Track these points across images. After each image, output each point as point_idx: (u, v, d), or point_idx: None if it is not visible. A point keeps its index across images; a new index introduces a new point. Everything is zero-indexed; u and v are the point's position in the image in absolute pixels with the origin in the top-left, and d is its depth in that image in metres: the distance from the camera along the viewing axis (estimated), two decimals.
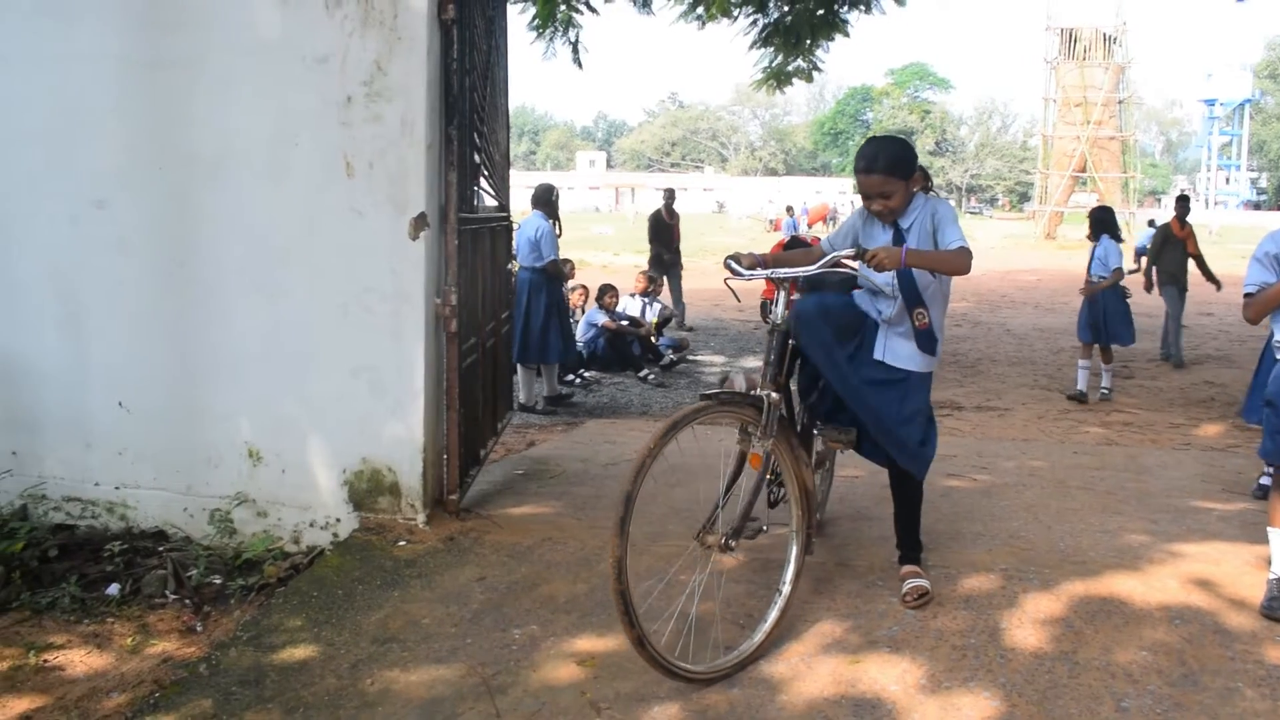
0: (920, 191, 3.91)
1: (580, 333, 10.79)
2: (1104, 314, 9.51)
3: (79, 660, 3.79)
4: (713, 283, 21.06)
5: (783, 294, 3.72)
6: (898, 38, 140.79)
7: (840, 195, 63.86)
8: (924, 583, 3.99)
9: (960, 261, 3.66)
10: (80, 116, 4.87)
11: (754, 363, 11.56)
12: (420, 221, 4.55)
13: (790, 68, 12.24)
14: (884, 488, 5.64)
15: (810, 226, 37.18)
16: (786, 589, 3.72)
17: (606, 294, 11.24)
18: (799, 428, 4.02)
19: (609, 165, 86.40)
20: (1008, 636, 3.69)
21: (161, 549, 4.62)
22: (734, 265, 3.84)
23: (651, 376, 10.59)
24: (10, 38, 4.89)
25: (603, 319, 10.97)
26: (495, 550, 4.52)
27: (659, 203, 15.51)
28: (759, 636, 3.58)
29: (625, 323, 11.15)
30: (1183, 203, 12.43)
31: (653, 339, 11.38)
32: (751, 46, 11.89)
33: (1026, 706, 3.22)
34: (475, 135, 5.16)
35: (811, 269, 3.73)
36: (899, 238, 3.82)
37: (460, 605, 3.94)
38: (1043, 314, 17.44)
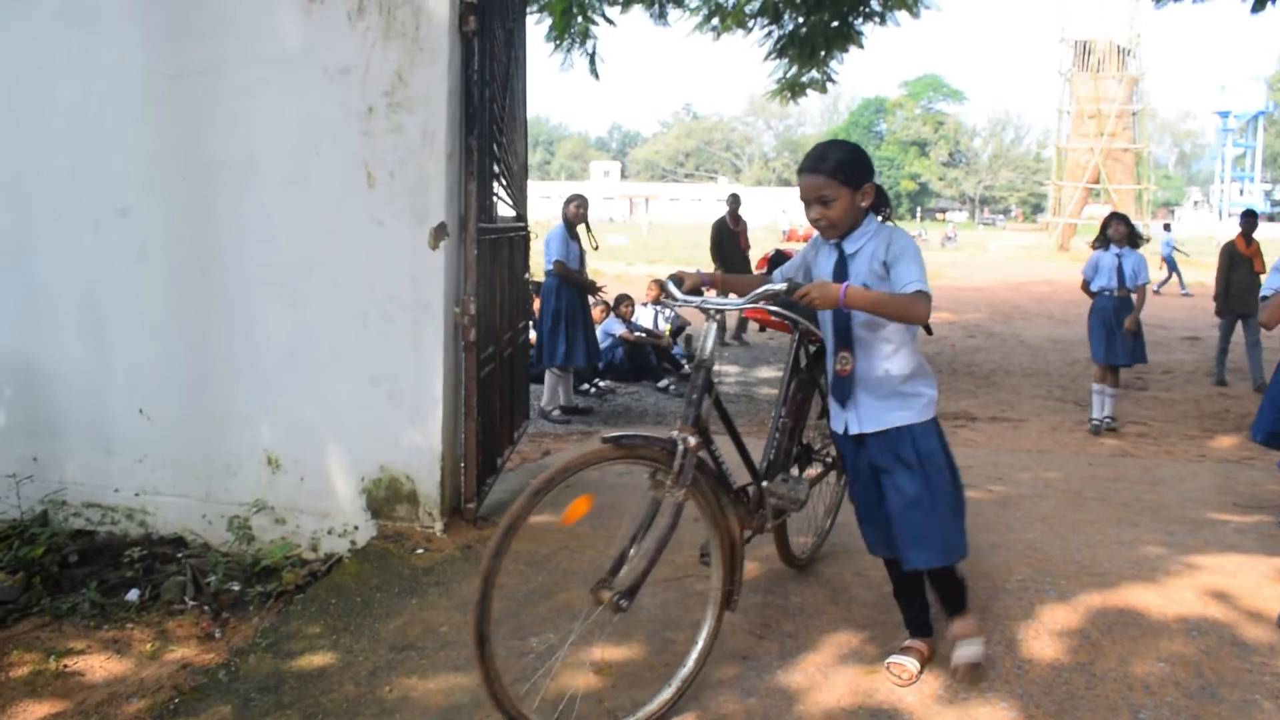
0: (875, 214, 3.34)
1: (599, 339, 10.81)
2: (1121, 331, 8.43)
3: (99, 665, 3.81)
4: None
5: (714, 326, 3.34)
6: (911, 49, 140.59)
7: None
8: (978, 650, 3.50)
9: (914, 309, 3.11)
10: (104, 125, 4.91)
11: (771, 373, 11.56)
12: (440, 231, 4.57)
13: (804, 78, 12.29)
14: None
15: None
16: (688, 668, 3.32)
17: (623, 304, 11.26)
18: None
19: (623, 175, 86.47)
20: (1024, 647, 3.69)
21: (180, 555, 4.65)
22: (670, 287, 3.45)
23: (671, 386, 10.59)
24: (36, 46, 4.95)
25: (620, 329, 10.98)
26: (512, 559, 4.51)
27: (722, 210, 14.59)
28: None
29: (642, 334, 11.15)
30: (1249, 218, 11.50)
31: (669, 348, 11.38)
32: (766, 58, 11.94)
33: (1044, 718, 3.22)
34: (495, 146, 5.19)
35: (740, 302, 3.34)
36: (842, 265, 3.29)
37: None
38: (1056, 325, 17.39)
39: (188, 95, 4.84)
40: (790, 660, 3.62)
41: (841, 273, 3.28)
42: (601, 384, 10.52)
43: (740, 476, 3.71)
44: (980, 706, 3.30)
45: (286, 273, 4.73)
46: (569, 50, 13.07)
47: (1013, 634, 3.80)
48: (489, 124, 5.03)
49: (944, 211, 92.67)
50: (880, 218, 3.35)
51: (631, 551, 3.13)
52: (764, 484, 3.78)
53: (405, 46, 4.61)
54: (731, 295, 3.49)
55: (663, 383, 10.69)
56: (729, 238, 14.21)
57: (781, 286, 3.19)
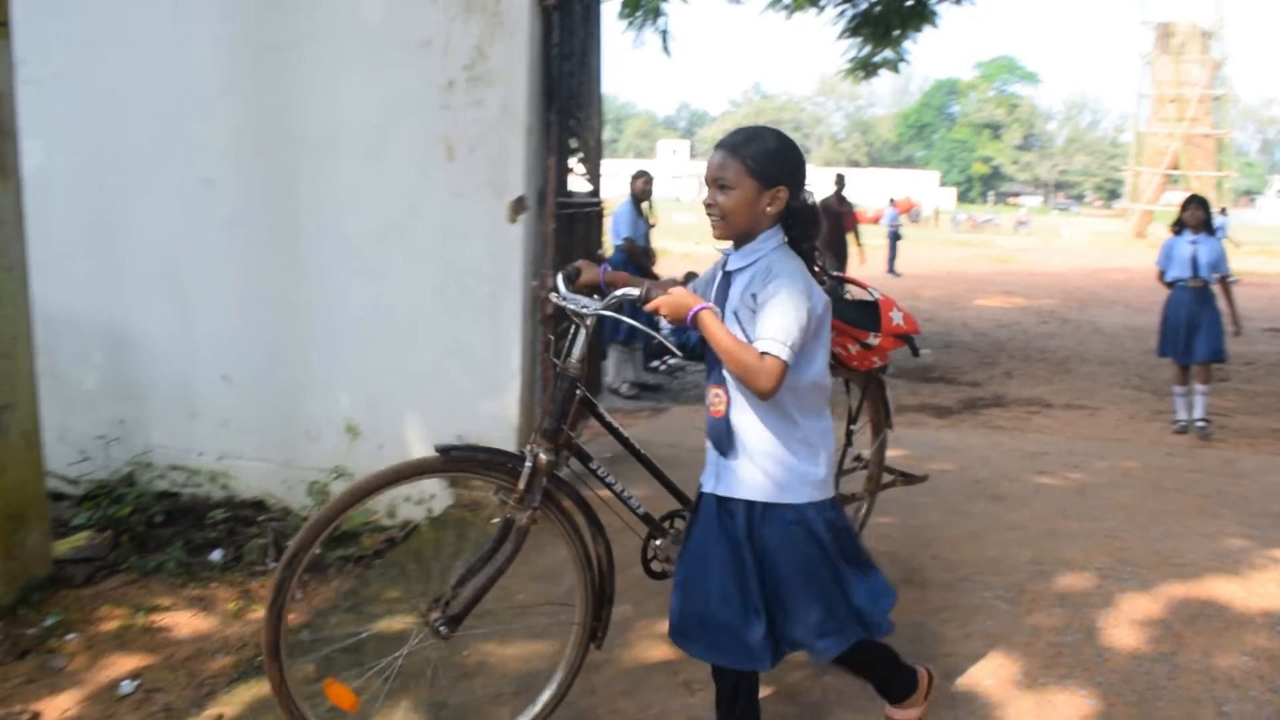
0: (782, 233, 2.60)
1: (665, 322, 10.78)
2: (1199, 325, 7.82)
3: (185, 622, 3.91)
4: None
5: (583, 332, 2.86)
6: (986, 30, 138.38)
7: (925, 189, 63.00)
8: None
9: (751, 374, 2.41)
10: (191, 97, 5.01)
11: None
12: (519, 204, 4.60)
13: (877, 58, 12.15)
14: (975, 483, 5.64)
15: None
16: (534, 711, 3.01)
17: (688, 280, 11.22)
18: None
19: (692, 155, 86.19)
20: (1104, 636, 3.65)
21: (261, 518, 4.74)
22: (558, 282, 3.00)
23: None
24: (125, 20, 5.06)
25: None
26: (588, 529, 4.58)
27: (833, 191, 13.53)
28: None
29: None
30: None
31: None
32: (840, 36, 11.82)
33: (1125, 708, 3.18)
34: (572, 121, 5.20)
35: (596, 306, 2.83)
36: (725, 283, 2.65)
37: (553, 582, 3.98)
38: (1134, 313, 17.05)
39: (272, 68, 4.92)
40: None
41: (723, 292, 2.64)
42: (671, 361, 10.51)
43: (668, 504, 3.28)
44: (1059, 693, 3.27)
45: (367, 244, 4.79)
46: (641, 27, 13.05)
47: (1092, 621, 3.76)
48: (567, 99, 5.04)
49: (1016, 195, 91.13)
50: (784, 238, 2.60)
51: (468, 577, 2.85)
52: (655, 541, 3.26)
53: (486, 20, 4.64)
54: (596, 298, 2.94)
55: None
56: (833, 221, 13.04)
57: (635, 292, 2.73)
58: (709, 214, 2.61)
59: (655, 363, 10.22)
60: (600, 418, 3.08)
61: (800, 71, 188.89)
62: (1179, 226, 8.00)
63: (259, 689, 3.28)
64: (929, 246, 31.55)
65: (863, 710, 3.18)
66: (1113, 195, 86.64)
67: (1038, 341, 13.05)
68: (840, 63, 12.41)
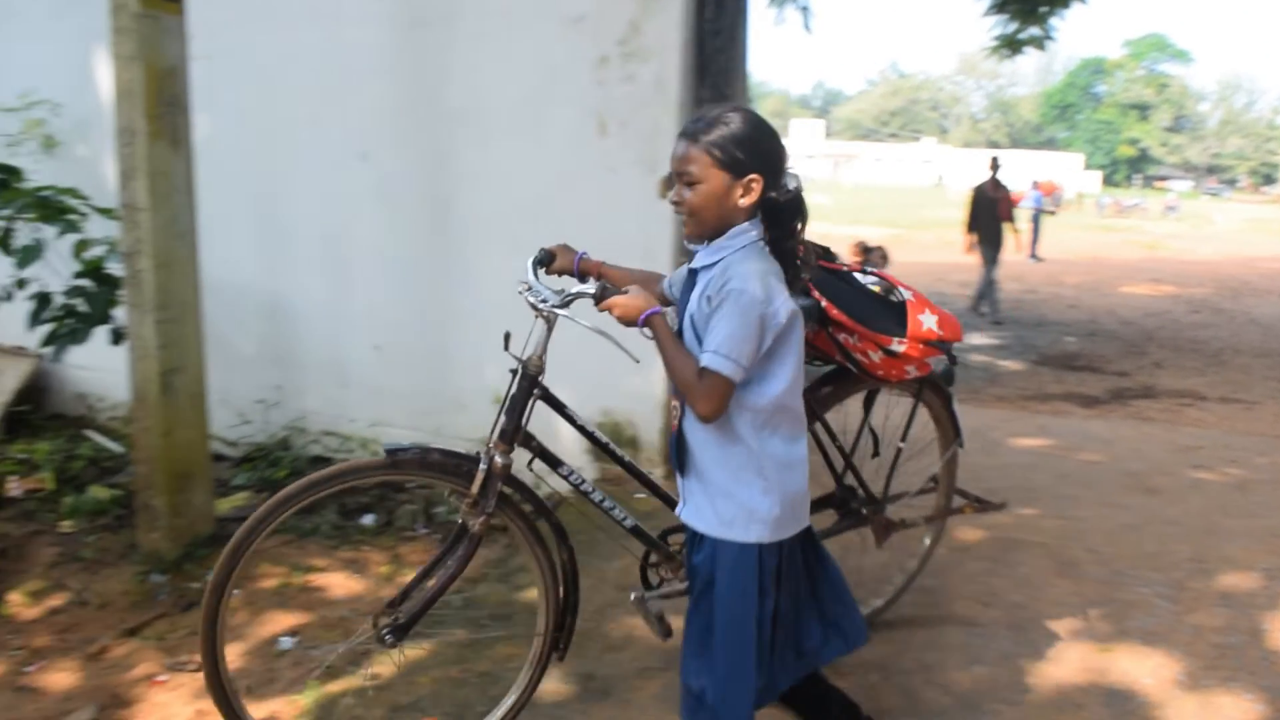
0: (759, 228, 2.31)
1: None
2: None
3: (338, 583, 4.03)
4: (931, 256, 20.62)
5: (541, 324, 2.70)
6: (1136, 7, 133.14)
7: (1068, 172, 61.02)
8: None
9: (691, 390, 2.22)
10: (348, 72, 5.14)
11: (979, 339, 11.24)
12: (669, 181, 4.59)
13: (1023, 35, 11.77)
14: (1129, 475, 5.45)
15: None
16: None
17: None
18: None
19: (827, 134, 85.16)
20: (1271, 638, 3.50)
21: (411, 485, 4.85)
22: (529, 269, 2.82)
23: None
24: None
25: None
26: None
27: (983, 175, 13.06)
28: None
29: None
30: None
31: None
32: (986, 13, 11.51)
33: None
34: (723, 97, 5.17)
35: (555, 300, 2.67)
36: (690, 284, 2.40)
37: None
38: None
39: (426, 44, 5.01)
40: (1018, 631, 3.54)
41: (689, 293, 2.39)
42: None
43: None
44: (1222, 695, 3.15)
45: (517, 219, 4.84)
46: (782, 4, 12.91)
47: (1257, 623, 3.61)
48: (718, 75, 5.01)
49: (1164, 179, 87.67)
50: (759, 234, 2.30)
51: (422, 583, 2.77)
52: (651, 560, 3.06)
53: None
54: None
55: None
56: (987, 207, 12.81)
57: (591, 289, 2.52)
58: (676, 212, 2.36)
59: None
60: (571, 419, 2.90)
61: (939, 49, 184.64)
62: None
63: (412, 652, 3.37)
64: (1072, 231, 30.57)
65: None
66: (1268, 180, 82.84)
67: (1189, 331, 12.55)
68: (984, 40, 12.08)
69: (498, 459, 2.69)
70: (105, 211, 4.55)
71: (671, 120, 4.57)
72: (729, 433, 2.31)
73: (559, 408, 2.86)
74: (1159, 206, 51.88)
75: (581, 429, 2.90)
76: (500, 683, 3.13)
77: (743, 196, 2.25)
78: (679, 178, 2.31)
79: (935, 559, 4.03)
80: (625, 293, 2.44)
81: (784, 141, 2.32)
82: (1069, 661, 3.34)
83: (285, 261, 5.33)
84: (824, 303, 2.96)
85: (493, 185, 4.90)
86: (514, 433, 2.72)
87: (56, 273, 4.49)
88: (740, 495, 2.31)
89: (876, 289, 3.09)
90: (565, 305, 2.63)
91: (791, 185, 2.31)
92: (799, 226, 2.34)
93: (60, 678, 3.38)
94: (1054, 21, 11.50)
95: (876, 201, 43.61)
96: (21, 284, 4.50)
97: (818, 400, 3.28)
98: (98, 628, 3.75)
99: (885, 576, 3.70)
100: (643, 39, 4.63)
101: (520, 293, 2.67)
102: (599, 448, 2.95)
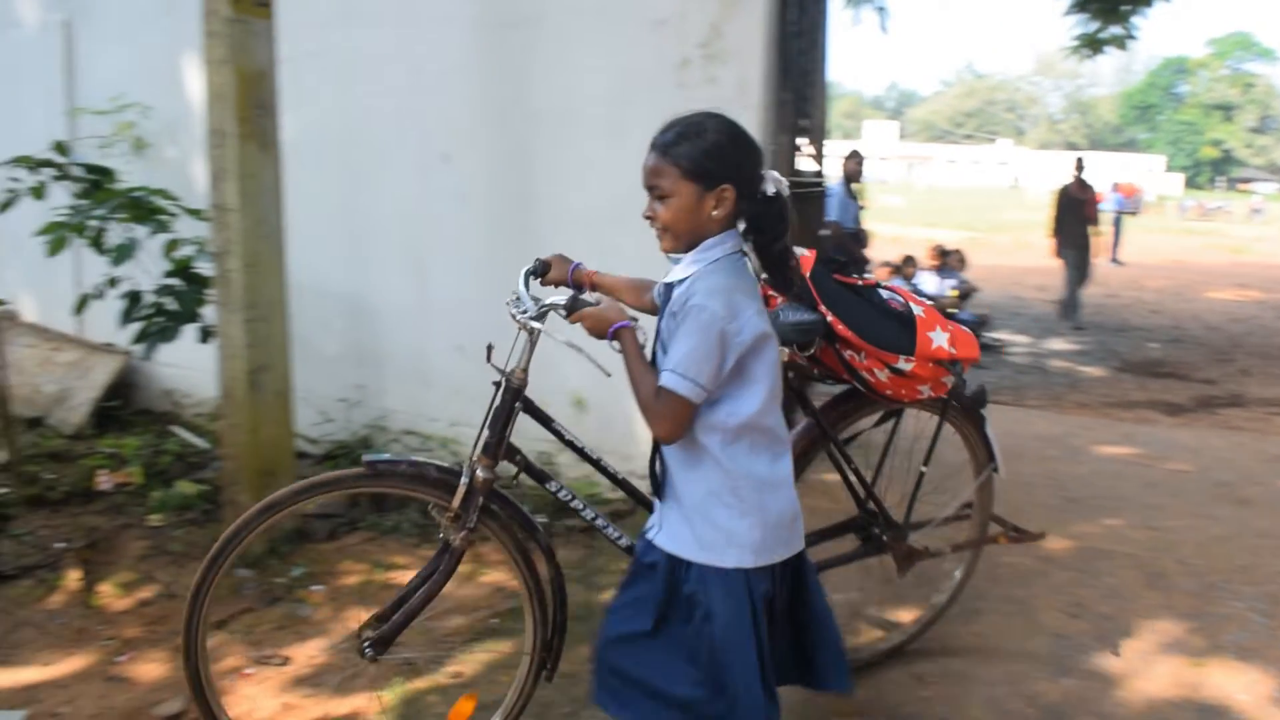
0: (737, 236, 2.29)
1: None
2: None
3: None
4: (1008, 259, 20.34)
5: (524, 337, 2.64)
6: (1220, 4, 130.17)
7: (1148, 174, 59.75)
8: None
9: (644, 409, 2.22)
10: (430, 74, 5.19)
11: (1059, 345, 11.05)
12: None
13: (1105, 35, 11.61)
14: (1218, 485, 5.32)
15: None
16: None
17: (907, 265, 11.01)
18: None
19: (901, 136, 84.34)
20: None
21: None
22: (520, 282, 2.75)
23: None
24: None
25: None
26: (811, 515, 4.56)
27: (1065, 176, 12.81)
28: None
29: (926, 300, 10.79)
30: None
31: (953, 314, 10.97)
32: (1067, 12, 11.38)
33: None
34: (802, 100, 5.14)
35: (532, 310, 2.60)
36: (666, 297, 2.35)
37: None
38: None
39: (508, 45, 5.04)
40: (1107, 644, 3.47)
41: (664, 303, 2.35)
42: None
43: None
44: None
45: (599, 221, 4.84)
46: (859, 5, 12.85)
47: None
48: (799, 77, 4.99)
49: (1249, 181, 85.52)
50: (735, 245, 2.27)
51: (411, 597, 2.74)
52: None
53: None
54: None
55: None
56: (1073, 208, 12.50)
57: (562, 300, 2.50)
58: (651, 226, 2.30)
59: None
60: (559, 434, 2.84)
61: (1016, 49, 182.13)
62: None
63: (495, 650, 3.39)
64: (1154, 235, 29.96)
65: None
66: None
67: (1278, 338, 12.24)
68: (1063, 40, 11.92)
69: (480, 473, 2.63)
70: (194, 212, 4.64)
71: (754, 123, 4.55)
72: (702, 454, 2.26)
73: (545, 421, 2.80)
74: (1244, 209, 50.63)
75: (570, 444, 2.84)
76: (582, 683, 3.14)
77: (715, 208, 2.21)
78: (649, 191, 2.27)
79: (1020, 568, 3.98)
80: (596, 304, 2.40)
81: (757, 145, 2.30)
82: (1160, 676, 3.27)
83: (368, 262, 5.40)
84: (830, 317, 2.84)
85: (574, 187, 4.92)
86: (497, 447, 2.67)
87: (147, 272, 4.59)
88: (717, 518, 2.26)
89: (896, 305, 2.94)
90: (540, 317, 2.57)
91: (771, 190, 2.26)
92: (783, 230, 2.28)
93: (150, 668, 3.46)
94: (1136, 20, 11.33)
95: (951, 204, 43.09)
96: (113, 282, 4.60)
97: (830, 421, 3.16)
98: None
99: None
100: (724, 42, 4.61)
101: (506, 303, 2.63)
102: (592, 465, 2.86)
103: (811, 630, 2.42)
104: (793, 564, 2.34)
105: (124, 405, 6.23)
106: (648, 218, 2.29)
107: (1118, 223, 22.32)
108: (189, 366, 5.80)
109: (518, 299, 2.63)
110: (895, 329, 2.87)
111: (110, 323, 4.72)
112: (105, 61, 6.32)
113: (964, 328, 2.99)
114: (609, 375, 2.41)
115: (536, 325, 2.57)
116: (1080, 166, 12.72)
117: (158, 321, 4.56)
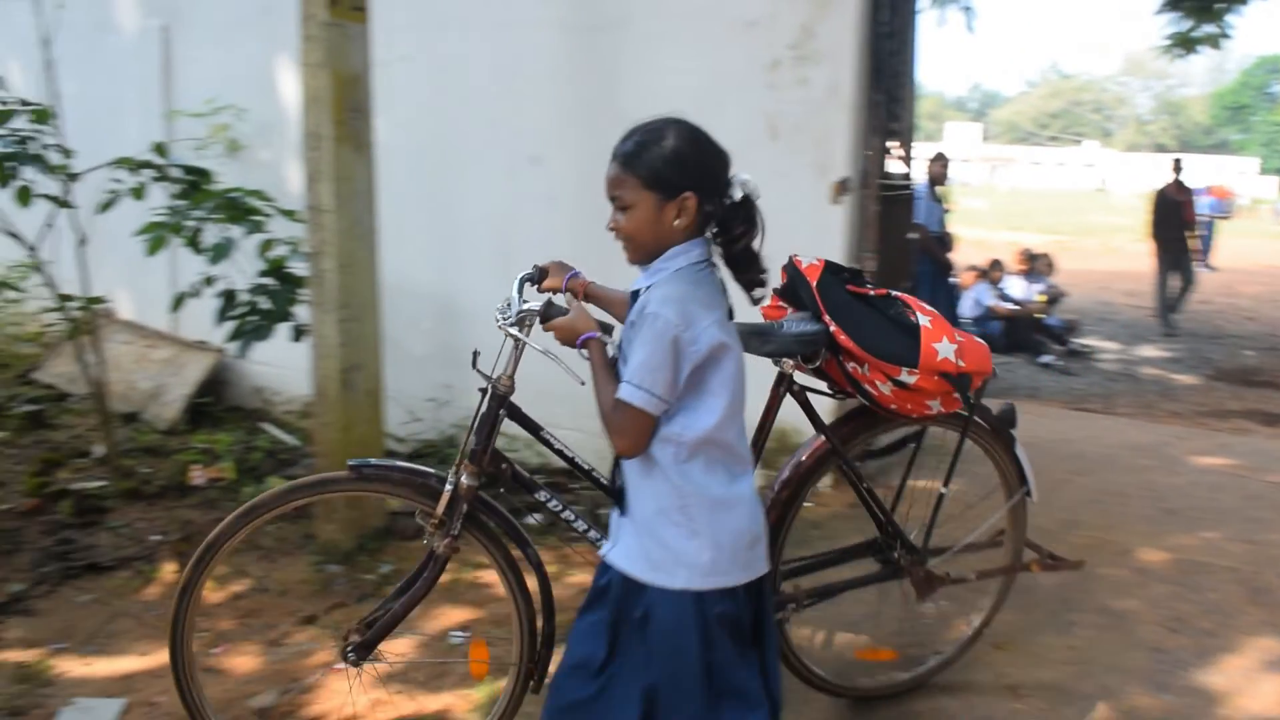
0: (705, 244, 2.24)
1: (968, 309, 10.42)
2: None
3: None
4: (1096, 264, 19.92)
5: (509, 346, 2.63)
6: None
7: (1241, 176, 58.13)
8: None
9: (603, 421, 2.22)
10: (519, 77, 5.23)
11: (1150, 351, 10.79)
12: (843, 185, 4.53)
13: (1198, 33, 11.34)
14: None
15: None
16: None
17: (994, 269, 10.83)
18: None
19: (984, 137, 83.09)
20: None
21: (575, 486, 4.89)
22: (513, 290, 2.67)
23: (1056, 362, 10.01)
24: (464, 4, 5.32)
25: (990, 298, 10.54)
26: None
27: (1163, 178, 12.58)
28: None
29: (1014, 305, 10.62)
30: None
31: (1041, 319, 10.75)
32: (1159, 11, 11.15)
33: None
34: (894, 101, 5.08)
35: (510, 319, 2.57)
36: (630, 306, 2.27)
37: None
38: None
39: (597, 48, 5.05)
40: (1208, 660, 3.38)
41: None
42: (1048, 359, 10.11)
43: None
44: None
45: None
46: (945, 5, 12.69)
47: None
48: (891, 78, 4.93)
49: None
50: (702, 254, 2.22)
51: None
52: None
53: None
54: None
55: (1045, 358, 10.07)
56: (1171, 211, 12.20)
57: (535, 307, 2.50)
58: (616, 239, 2.25)
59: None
60: (548, 443, 2.79)
61: (1103, 49, 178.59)
62: None
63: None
64: (1248, 239, 29.15)
65: None
66: None
67: None
68: (1154, 39, 11.65)
69: (464, 480, 2.61)
70: (288, 213, 4.71)
71: (846, 124, 4.52)
72: (653, 468, 2.19)
73: (533, 429, 2.77)
74: None
75: (560, 453, 2.78)
76: None
77: (678, 217, 2.16)
78: (611, 203, 2.23)
79: (1115, 580, 3.89)
80: (571, 312, 2.37)
81: (721, 149, 2.23)
82: (1264, 695, 3.17)
83: (457, 263, 5.45)
84: (833, 328, 2.75)
85: None
86: (482, 453, 2.64)
87: (241, 271, 4.67)
88: (666, 536, 2.18)
89: (910, 316, 2.78)
90: (520, 324, 2.54)
91: (738, 194, 2.20)
92: (749, 232, 2.21)
93: (243, 661, 3.51)
94: (1230, 18, 11.05)
95: (1035, 207, 42.34)
96: (209, 281, 4.69)
97: (840, 438, 3.05)
98: (278, 614, 3.88)
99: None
100: (816, 42, 4.58)
101: (496, 308, 2.60)
102: (583, 475, 2.79)
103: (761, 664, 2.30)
104: (755, 587, 2.25)
105: (215, 401, 6.36)
106: (611, 230, 2.24)
107: (1210, 227, 21.74)
108: (278, 364, 5.89)
109: (507, 305, 2.59)
110: (901, 340, 2.73)
111: (203, 320, 4.80)
112: (201, 65, 6.46)
113: (976, 339, 2.86)
114: (582, 384, 2.37)
115: (514, 332, 2.54)
116: (1178, 168, 12.44)
117: (252, 320, 4.63)
